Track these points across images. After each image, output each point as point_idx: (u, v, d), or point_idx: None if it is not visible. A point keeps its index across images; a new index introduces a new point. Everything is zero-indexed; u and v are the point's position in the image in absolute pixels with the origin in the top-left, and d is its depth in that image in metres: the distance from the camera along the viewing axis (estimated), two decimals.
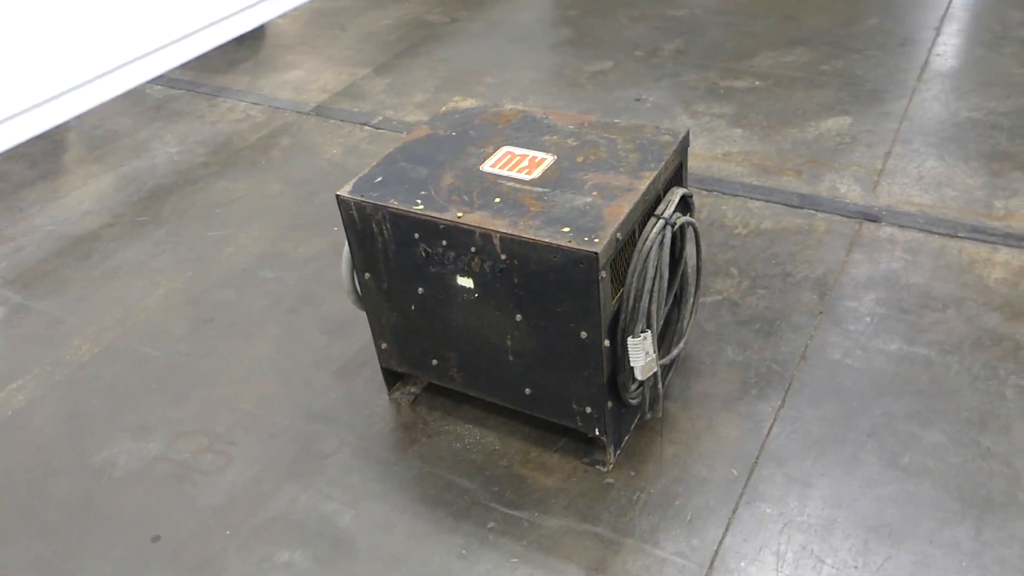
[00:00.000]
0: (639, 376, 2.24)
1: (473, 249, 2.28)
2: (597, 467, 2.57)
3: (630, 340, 2.22)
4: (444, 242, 2.32)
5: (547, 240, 2.15)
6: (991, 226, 3.34)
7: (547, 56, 5.14)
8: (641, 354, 2.22)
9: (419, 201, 2.36)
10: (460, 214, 2.28)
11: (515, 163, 2.47)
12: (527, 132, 2.62)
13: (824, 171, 3.78)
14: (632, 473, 2.54)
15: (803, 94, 4.41)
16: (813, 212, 3.54)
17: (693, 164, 3.90)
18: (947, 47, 4.69)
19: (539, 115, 2.71)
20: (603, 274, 2.14)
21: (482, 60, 5.20)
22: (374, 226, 2.43)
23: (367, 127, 4.60)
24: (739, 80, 4.61)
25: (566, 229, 2.17)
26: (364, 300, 2.66)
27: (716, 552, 2.30)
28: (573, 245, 2.12)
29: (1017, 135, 3.86)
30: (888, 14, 5.13)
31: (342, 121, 4.69)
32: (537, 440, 2.68)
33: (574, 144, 2.53)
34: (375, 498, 2.55)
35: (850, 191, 3.63)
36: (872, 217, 3.46)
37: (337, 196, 2.45)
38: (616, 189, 2.31)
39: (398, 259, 2.45)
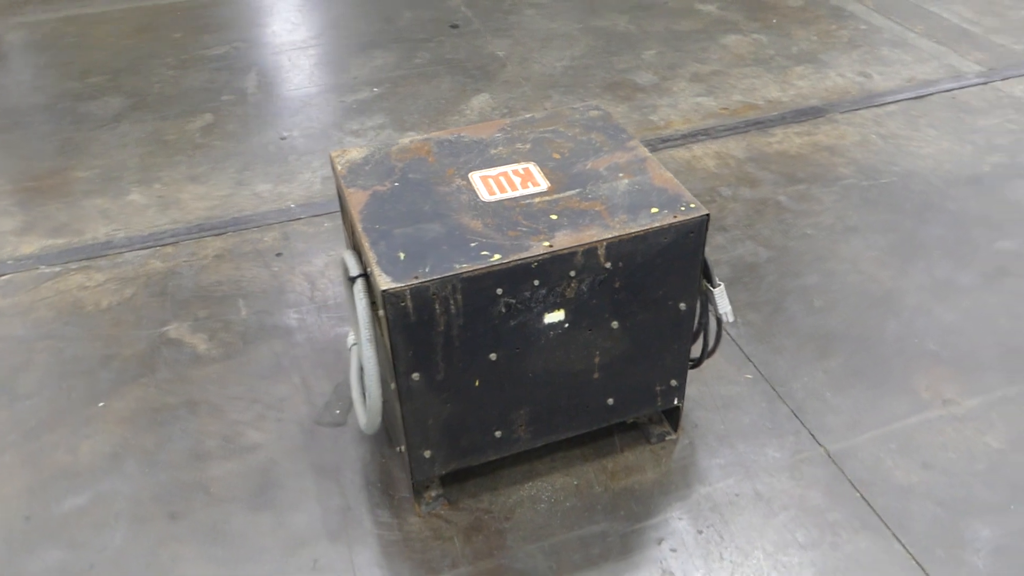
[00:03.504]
0: (731, 318, 2.33)
1: (572, 273, 2.04)
2: (667, 439, 2.57)
3: (716, 290, 2.29)
4: (536, 282, 2.02)
5: (656, 225, 2.06)
6: (658, 136, 4.10)
7: (126, 130, 4.27)
8: (726, 299, 2.31)
9: (487, 252, 1.98)
10: (547, 243, 2.01)
11: (507, 182, 2.23)
12: (468, 154, 2.35)
13: None
14: (695, 425, 2.62)
15: (429, 86, 4.59)
16: None
17: None
18: (480, 24, 5.34)
19: (450, 136, 2.44)
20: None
21: (44, 154, 4.06)
22: (437, 307, 1.96)
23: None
24: (360, 93, 4.55)
25: (655, 210, 2.11)
26: (404, 409, 2.12)
27: (811, 433, 2.57)
28: (681, 218, 2.08)
29: (623, 68, 4.72)
30: (414, 8, 5.54)
31: None
32: (596, 453, 2.54)
33: (529, 147, 2.38)
34: None
35: None
36: None
37: (384, 292, 1.89)
38: (632, 164, 2.29)
39: (467, 332, 2.03)
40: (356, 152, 2.38)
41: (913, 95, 4.31)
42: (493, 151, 2.37)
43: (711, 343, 2.46)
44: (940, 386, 2.72)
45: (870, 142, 3.96)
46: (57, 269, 3.36)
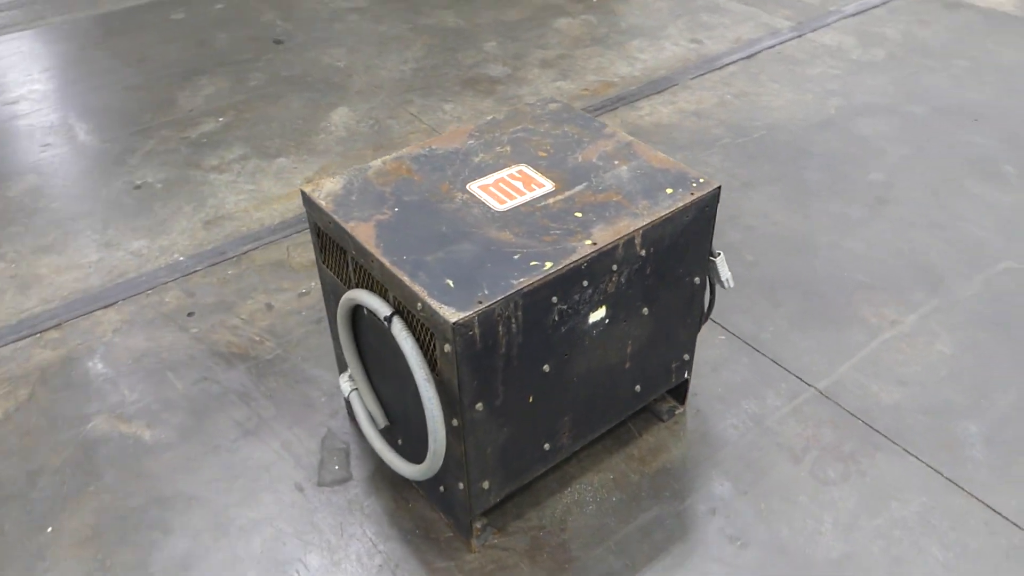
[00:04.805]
0: (732, 284, 2.39)
1: (614, 267, 2.00)
2: (677, 413, 2.62)
3: (717, 259, 2.34)
4: (585, 282, 1.96)
5: (679, 205, 2.07)
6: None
7: None
8: (725, 266, 2.37)
9: (536, 262, 1.89)
10: (590, 242, 1.95)
11: (510, 188, 2.14)
12: (451, 167, 2.22)
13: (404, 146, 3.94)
14: (695, 394, 2.68)
15: (277, 107, 4.28)
16: None
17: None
18: (305, 36, 5.06)
19: (422, 151, 2.29)
20: None
21: None
22: (500, 328, 1.84)
23: None
24: (204, 125, 4.15)
25: (669, 190, 2.12)
26: (467, 443, 1.97)
27: (798, 377, 2.72)
28: (698, 194, 2.11)
29: (444, 72, 4.66)
30: (226, 28, 5.12)
31: None
32: (617, 443, 2.53)
33: (510, 149, 2.29)
34: None
35: None
36: None
37: (454, 325, 1.74)
38: (621, 149, 2.28)
39: (524, 350, 1.93)
40: (331, 183, 2.17)
41: (744, 55, 4.66)
42: (476, 159, 2.26)
43: (706, 309, 2.53)
44: (881, 310, 2.99)
45: (727, 102, 4.24)
46: None
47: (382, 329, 2.07)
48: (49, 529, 2.33)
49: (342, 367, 2.47)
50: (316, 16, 5.25)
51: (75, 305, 3.08)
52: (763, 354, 2.82)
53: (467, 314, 1.77)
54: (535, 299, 1.88)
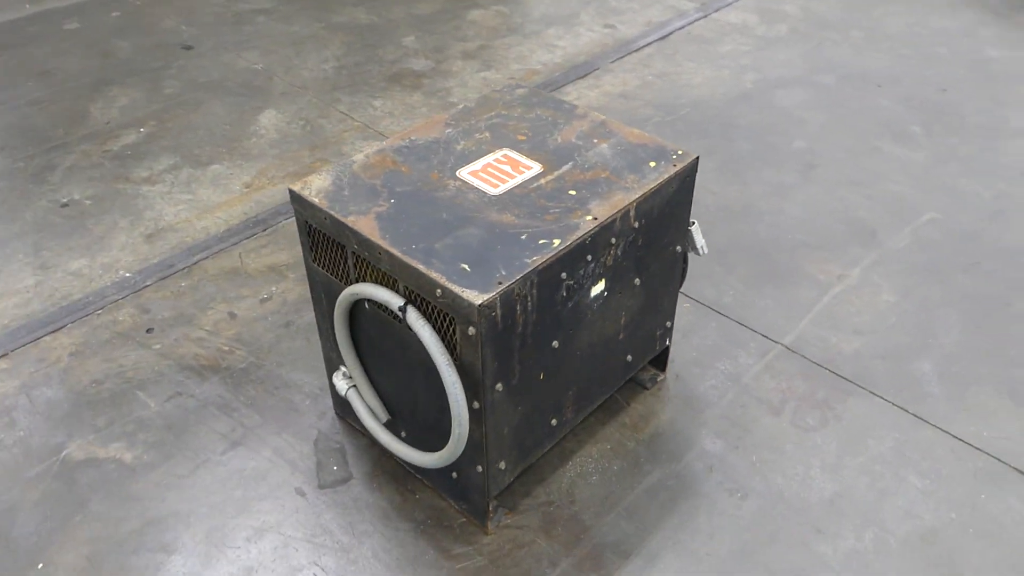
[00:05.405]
0: (706, 251, 2.50)
1: (613, 240, 2.07)
2: (660, 380, 2.71)
3: (692, 228, 2.44)
4: (588, 257, 2.01)
5: (665, 177, 2.16)
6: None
7: None
8: (700, 234, 2.47)
9: (544, 240, 1.93)
10: (591, 217, 2.01)
11: (500, 172, 2.17)
12: (436, 156, 2.23)
13: (348, 152, 3.89)
14: (672, 360, 2.79)
15: (200, 114, 4.13)
16: None
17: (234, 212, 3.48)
18: (215, 40, 4.90)
19: (403, 142, 2.29)
20: None
21: None
22: (518, 307, 1.88)
23: None
24: (125, 137, 3.96)
25: (652, 164, 2.20)
26: (488, 424, 2.00)
27: (763, 335, 2.87)
28: (680, 166, 2.20)
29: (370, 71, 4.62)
30: (127, 36, 4.89)
31: None
32: (608, 414, 2.60)
33: (488, 135, 2.32)
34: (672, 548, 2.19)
35: None
36: None
37: (479, 307, 1.76)
38: (596, 128, 2.34)
39: (537, 327, 1.97)
40: (320, 180, 2.14)
41: (658, 36, 4.83)
42: (458, 147, 2.28)
43: (681, 276, 2.63)
44: (827, 267, 3.18)
45: (649, 83, 4.38)
46: None
47: (384, 322, 2.07)
48: (40, 566, 2.21)
49: (332, 366, 2.45)
50: (221, 20, 5.09)
51: (19, 333, 2.91)
52: (728, 317, 2.95)
53: (490, 296, 1.80)
54: (547, 277, 1.92)
